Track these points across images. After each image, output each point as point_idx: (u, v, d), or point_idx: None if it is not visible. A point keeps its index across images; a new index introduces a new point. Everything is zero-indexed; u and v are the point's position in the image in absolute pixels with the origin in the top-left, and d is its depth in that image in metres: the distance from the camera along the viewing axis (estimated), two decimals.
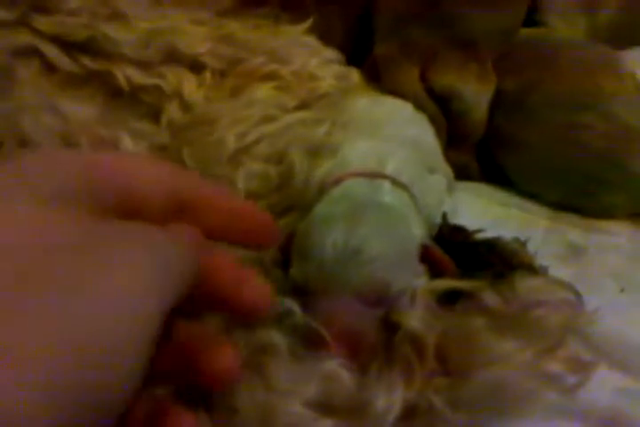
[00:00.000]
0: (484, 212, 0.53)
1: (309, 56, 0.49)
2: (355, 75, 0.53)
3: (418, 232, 0.39)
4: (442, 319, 0.33)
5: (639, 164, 0.50)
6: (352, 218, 0.37)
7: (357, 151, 0.44)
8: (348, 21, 0.56)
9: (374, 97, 0.52)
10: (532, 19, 0.62)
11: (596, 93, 0.51)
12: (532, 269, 0.43)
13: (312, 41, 0.51)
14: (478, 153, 0.57)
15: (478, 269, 0.40)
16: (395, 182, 0.42)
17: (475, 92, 0.54)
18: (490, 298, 0.34)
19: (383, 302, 0.36)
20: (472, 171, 0.57)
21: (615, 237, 0.52)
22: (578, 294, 0.39)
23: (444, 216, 0.46)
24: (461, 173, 0.55)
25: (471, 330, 0.32)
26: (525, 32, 0.58)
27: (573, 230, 0.52)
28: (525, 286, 0.37)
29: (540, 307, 0.34)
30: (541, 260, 0.47)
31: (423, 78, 0.53)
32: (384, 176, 0.42)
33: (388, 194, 0.40)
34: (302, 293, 0.36)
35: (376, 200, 0.39)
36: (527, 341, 0.32)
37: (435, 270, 0.39)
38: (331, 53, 0.52)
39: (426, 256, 0.39)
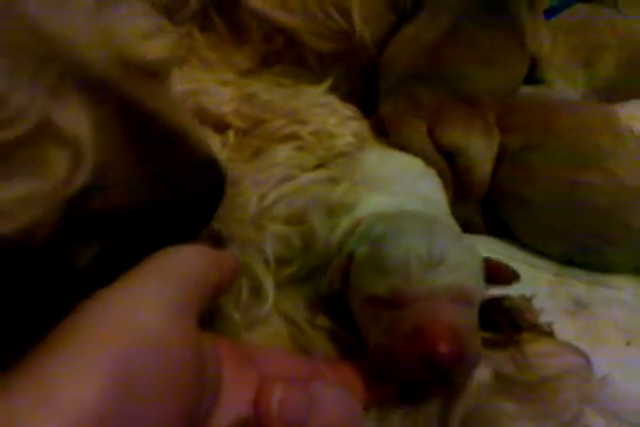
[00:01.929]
0: None
1: (329, 115, 0.50)
2: (366, 129, 0.54)
3: None
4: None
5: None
6: (427, 230, 0.38)
7: (376, 205, 0.45)
8: (352, 80, 0.57)
9: (384, 151, 0.53)
10: (531, 76, 0.64)
11: (596, 152, 0.52)
12: (537, 329, 0.44)
13: (332, 99, 0.52)
14: (483, 207, 0.57)
15: (487, 329, 0.41)
16: None
17: (480, 149, 0.55)
18: (504, 365, 0.35)
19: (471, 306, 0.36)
20: (477, 225, 0.57)
21: (619, 291, 0.52)
22: (586, 357, 0.39)
23: None
24: (466, 227, 0.56)
25: (495, 412, 0.32)
26: (527, 90, 0.60)
27: (578, 285, 0.53)
28: (534, 350, 0.37)
29: (553, 380, 0.35)
30: (547, 315, 0.47)
31: (430, 134, 0.54)
32: None
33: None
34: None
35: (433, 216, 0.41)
36: (546, 417, 0.33)
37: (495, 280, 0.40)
38: (349, 111, 0.53)
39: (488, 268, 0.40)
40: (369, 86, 0.58)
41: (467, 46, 0.56)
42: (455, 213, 0.53)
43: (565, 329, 0.49)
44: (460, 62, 0.55)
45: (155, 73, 0.31)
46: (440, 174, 0.54)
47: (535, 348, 0.38)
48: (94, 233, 0.28)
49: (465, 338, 0.33)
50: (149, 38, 0.31)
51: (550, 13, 0.67)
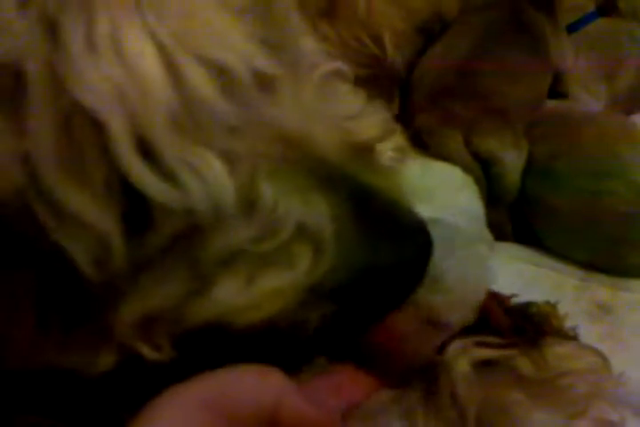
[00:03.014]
0: (518, 272, 0.55)
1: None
2: (405, 142, 0.56)
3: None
4: (482, 388, 0.35)
5: None
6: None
7: None
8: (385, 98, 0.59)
9: (425, 163, 0.55)
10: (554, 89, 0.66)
11: (617, 162, 0.54)
12: (561, 334, 0.46)
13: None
14: (511, 213, 0.59)
15: (512, 334, 0.43)
16: None
17: (512, 158, 0.57)
18: (524, 366, 0.37)
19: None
20: (505, 230, 0.59)
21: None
22: (604, 359, 0.41)
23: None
24: (495, 232, 0.58)
25: (509, 402, 0.34)
26: (552, 103, 0.62)
27: (602, 289, 0.54)
28: (554, 353, 0.39)
29: (568, 376, 0.37)
30: (571, 319, 0.49)
31: (466, 144, 0.56)
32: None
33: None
34: None
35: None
36: (557, 408, 0.35)
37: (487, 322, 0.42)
38: (392, 126, 0.56)
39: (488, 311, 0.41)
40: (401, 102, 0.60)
41: (493, 62, 0.58)
42: (486, 219, 0.55)
43: (589, 333, 0.50)
44: (488, 78, 0.57)
45: (369, 148, 0.33)
46: (477, 181, 0.56)
47: (556, 350, 0.40)
48: (325, 303, 0.29)
49: None
50: (363, 118, 0.32)
51: (572, 28, 0.69)
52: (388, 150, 0.54)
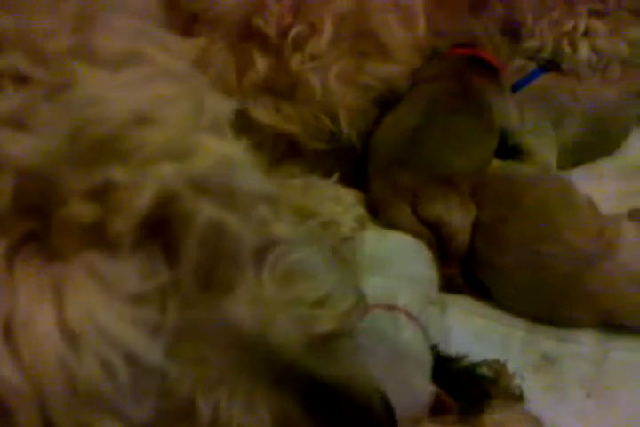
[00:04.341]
0: (469, 326, 0.60)
1: (335, 206, 0.57)
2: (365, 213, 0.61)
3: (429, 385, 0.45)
4: None
5: (595, 284, 0.57)
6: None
7: (371, 288, 0.51)
8: (344, 167, 0.64)
9: (380, 232, 0.60)
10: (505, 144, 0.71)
11: (555, 225, 0.58)
12: (508, 393, 0.50)
13: (337, 189, 0.59)
14: (465, 270, 0.64)
15: (457, 397, 0.47)
16: (407, 314, 0.50)
17: (459, 220, 0.61)
18: None
19: None
20: (459, 285, 0.63)
21: (582, 345, 0.58)
22: (540, 424, 0.45)
23: (436, 347, 0.52)
24: (450, 287, 0.63)
25: None
26: (497, 164, 0.66)
27: (547, 341, 0.59)
28: (493, 420, 0.43)
29: None
30: (518, 371, 0.54)
31: (414, 211, 0.61)
32: (399, 309, 0.50)
33: (406, 329, 0.48)
34: None
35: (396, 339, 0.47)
36: None
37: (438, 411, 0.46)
38: (351, 197, 0.60)
39: (436, 403, 0.45)
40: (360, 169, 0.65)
41: (441, 131, 0.62)
42: (440, 273, 0.60)
43: (534, 384, 0.55)
44: (436, 147, 0.61)
45: (331, 337, 0.32)
46: (429, 244, 0.60)
47: (495, 418, 0.44)
48: None
49: None
50: (330, 303, 0.32)
51: (517, 86, 0.74)
52: (349, 221, 0.59)
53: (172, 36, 0.35)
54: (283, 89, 0.60)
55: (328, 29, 0.60)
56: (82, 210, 0.25)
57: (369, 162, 0.64)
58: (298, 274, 0.32)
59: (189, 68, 0.34)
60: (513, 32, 0.76)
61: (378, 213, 0.61)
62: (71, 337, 0.24)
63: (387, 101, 0.66)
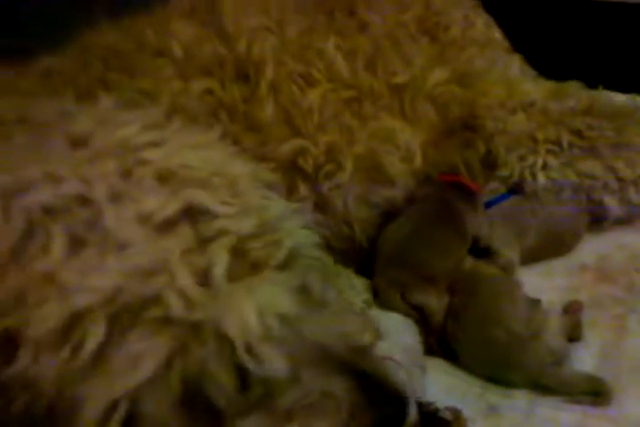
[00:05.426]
0: (439, 381, 0.82)
1: (350, 290, 0.81)
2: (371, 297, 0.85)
3: None
4: None
5: (529, 359, 0.78)
6: None
7: None
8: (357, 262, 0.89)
9: (380, 312, 0.83)
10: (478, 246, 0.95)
11: (500, 316, 0.81)
12: None
13: (353, 278, 0.84)
14: (439, 339, 0.86)
15: None
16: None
17: (435, 305, 0.85)
18: None
19: None
20: (435, 350, 0.86)
21: (518, 401, 0.79)
22: None
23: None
24: (429, 350, 0.85)
25: None
26: (470, 264, 0.90)
27: (493, 395, 0.80)
28: None
29: None
30: (470, 416, 0.76)
31: (404, 298, 0.85)
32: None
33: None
34: None
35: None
36: None
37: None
38: (362, 284, 0.84)
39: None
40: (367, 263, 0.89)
41: (426, 240, 0.87)
42: (423, 343, 0.83)
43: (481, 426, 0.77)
44: (422, 252, 0.86)
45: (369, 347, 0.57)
46: (416, 321, 0.84)
47: None
48: None
49: None
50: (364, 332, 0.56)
51: (490, 204, 0.98)
52: (359, 302, 0.83)
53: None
54: (317, 206, 0.86)
55: (349, 167, 0.86)
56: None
57: (374, 259, 0.88)
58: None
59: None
60: (490, 163, 1.01)
61: (378, 297, 0.85)
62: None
63: (389, 215, 0.92)
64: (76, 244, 0.45)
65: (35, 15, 1.05)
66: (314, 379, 0.49)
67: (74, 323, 0.43)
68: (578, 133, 1.02)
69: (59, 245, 0.44)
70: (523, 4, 1.49)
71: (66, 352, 0.43)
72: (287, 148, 0.84)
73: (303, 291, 0.50)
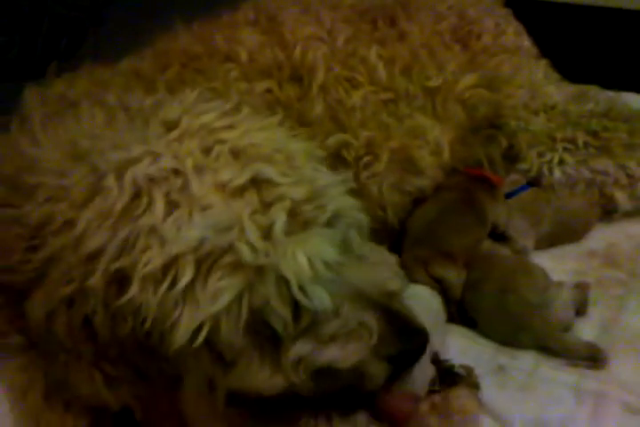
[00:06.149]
0: (458, 343, 0.94)
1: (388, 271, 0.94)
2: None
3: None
4: None
5: (539, 324, 0.90)
6: None
7: None
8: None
9: (412, 285, 0.96)
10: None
11: (514, 284, 0.93)
12: (472, 383, 0.85)
13: (387, 254, 0.97)
14: (458, 308, 0.99)
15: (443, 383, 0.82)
16: None
17: (454, 280, 0.97)
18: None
19: None
20: (455, 317, 0.98)
21: (524, 362, 0.92)
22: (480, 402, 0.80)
23: (436, 354, 0.87)
24: (449, 317, 0.98)
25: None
26: (487, 243, 1.03)
27: (503, 356, 0.93)
28: (456, 392, 0.78)
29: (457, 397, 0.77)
30: (483, 374, 0.88)
31: (428, 273, 0.98)
32: None
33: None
34: None
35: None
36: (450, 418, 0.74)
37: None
38: (394, 260, 0.97)
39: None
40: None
41: (448, 224, 1.00)
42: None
43: (492, 383, 0.89)
44: (443, 233, 0.99)
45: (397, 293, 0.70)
46: (438, 291, 0.97)
47: (458, 391, 0.79)
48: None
49: None
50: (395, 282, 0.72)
51: (510, 195, 1.10)
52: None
53: None
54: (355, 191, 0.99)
55: (384, 159, 0.99)
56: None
57: (403, 239, 1.02)
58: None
59: None
60: (511, 157, 1.13)
61: (406, 272, 0.98)
62: None
63: (418, 201, 1.05)
64: (172, 205, 0.58)
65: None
66: (351, 313, 0.63)
67: (171, 264, 0.57)
68: (594, 134, 1.13)
69: (160, 206, 0.58)
70: (552, 12, 1.59)
71: (164, 286, 0.57)
72: (332, 141, 0.97)
73: (344, 244, 0.63)
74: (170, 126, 0.65)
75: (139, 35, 1.03)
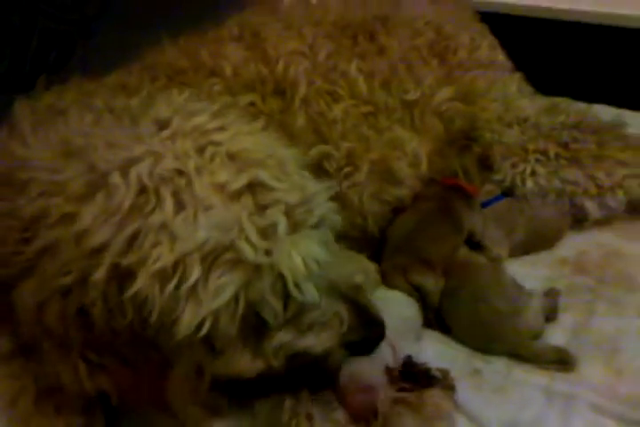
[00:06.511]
0: (433, 348, 0.98)
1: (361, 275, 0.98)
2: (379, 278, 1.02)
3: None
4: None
5: (510, 333, 0.94)
6: None
7: None
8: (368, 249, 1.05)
9: (387, 291, 0.99)
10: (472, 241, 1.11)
11: (485, 293, 0.97)
12: (447, 385, 0.88)
13: (366, 262, 1.01)
14: (435, 315, 1.03)
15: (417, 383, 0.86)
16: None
17: (432, 286, 1.01)
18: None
19: None
20: (432, 323, 1.02)
21: (497, 365, 0.96)
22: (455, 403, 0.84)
23: (410, 357, 0.91)
24: (426, 324, 1.02)
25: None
26: (464, 251, 1.07)
27: (477, 361, 0.97)
28: (431, 393, 0.82)
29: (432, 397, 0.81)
30: (458, 378, 0.92)
31: (406, 280, 1.01)
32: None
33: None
34: None
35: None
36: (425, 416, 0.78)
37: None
38: (373, 267, 1.00)
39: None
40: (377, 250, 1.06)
41: (426, 233, 1.04)
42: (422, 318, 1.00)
43: (468, 386, 0.92)
44: (421, 242, 1.03)
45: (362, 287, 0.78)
46: (416, 299, 1.00)
47: (432, 392, 0.83)
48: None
49: None
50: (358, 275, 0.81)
51: (485, 204, 1.15)
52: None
53: None
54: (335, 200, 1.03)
55: (364, 169, 1.03)
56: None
57: (384, 247, 1.05)
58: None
59: None
60: (486, 166, 1.17)
61: (385, 279, 1.02)
62: None
63: (398, 210, 1.08)
64: (179, 204, 0.61)
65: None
66: (328, 304, 0.70)
67: (180, 262, 0.59)
68: (564, 146, 1.18)
69: (170, 204, 0.60)
70: (525, 27, 1.65)
71: (173, 283, 0.59)
72: (314, 152, 1.00)
73: (326, 244, 0.69)
74: (161, 125, 0.67)
75: (127, 48, 1.05)
